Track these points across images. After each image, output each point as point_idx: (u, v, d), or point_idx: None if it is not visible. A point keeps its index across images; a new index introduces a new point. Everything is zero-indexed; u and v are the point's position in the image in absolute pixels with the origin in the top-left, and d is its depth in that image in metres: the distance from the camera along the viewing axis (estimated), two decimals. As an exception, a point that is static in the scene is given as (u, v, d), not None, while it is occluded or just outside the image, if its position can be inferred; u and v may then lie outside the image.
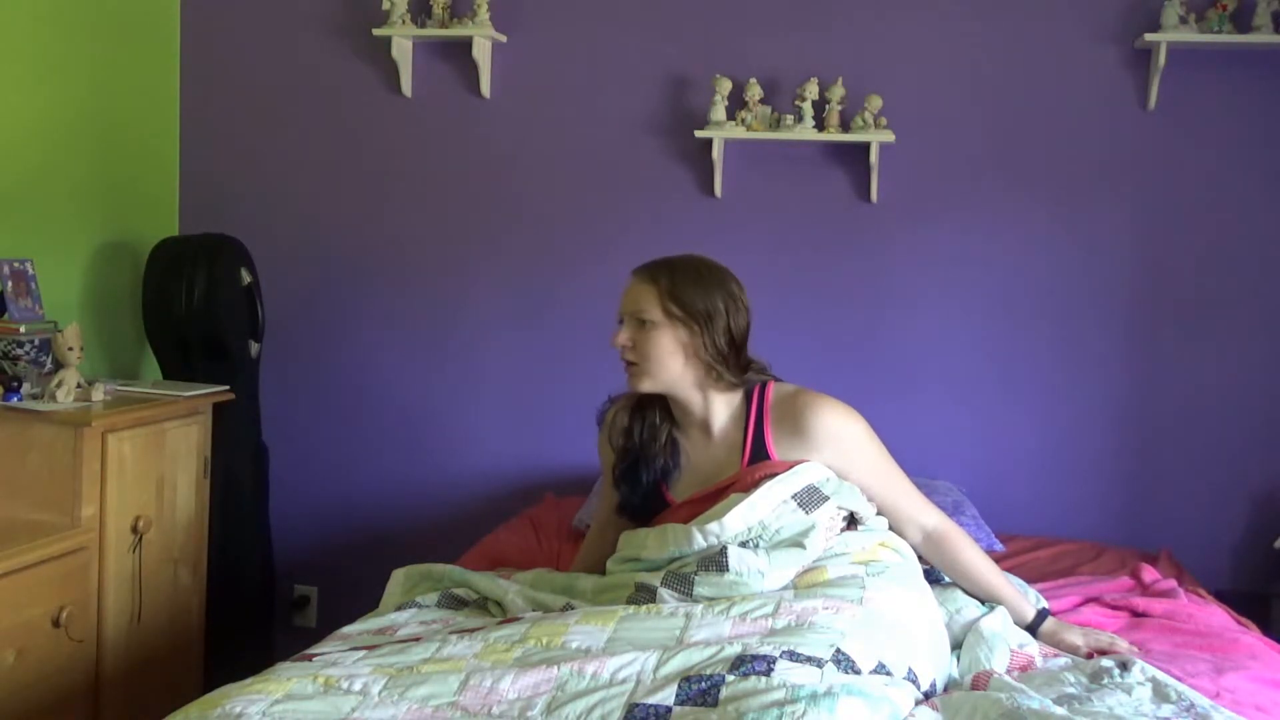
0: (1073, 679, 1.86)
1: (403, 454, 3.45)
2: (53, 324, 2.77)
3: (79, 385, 2.67)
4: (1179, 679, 1.86)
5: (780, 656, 1.66)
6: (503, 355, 3.37)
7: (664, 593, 1.93)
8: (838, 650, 1.70)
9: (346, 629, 2.04)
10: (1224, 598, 2.49)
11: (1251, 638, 2.15)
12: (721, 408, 2.12)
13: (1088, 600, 2.35)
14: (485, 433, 3.40)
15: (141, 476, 2.73)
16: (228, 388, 3.02)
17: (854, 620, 1.80)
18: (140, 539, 2.71)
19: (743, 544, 1.98)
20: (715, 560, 1.94)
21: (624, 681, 1.65)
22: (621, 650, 1.73)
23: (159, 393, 2.88)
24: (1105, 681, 1.83)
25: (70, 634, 2.50)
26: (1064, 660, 1.98)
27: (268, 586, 3.37)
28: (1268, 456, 2.97)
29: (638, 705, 1.58)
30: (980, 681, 1.82)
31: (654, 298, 2.07)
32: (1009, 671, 1.92)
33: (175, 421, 2.84)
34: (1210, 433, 2.99)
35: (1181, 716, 1.70)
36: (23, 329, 2.68)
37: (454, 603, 2.11)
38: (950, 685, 1.88)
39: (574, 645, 1.77)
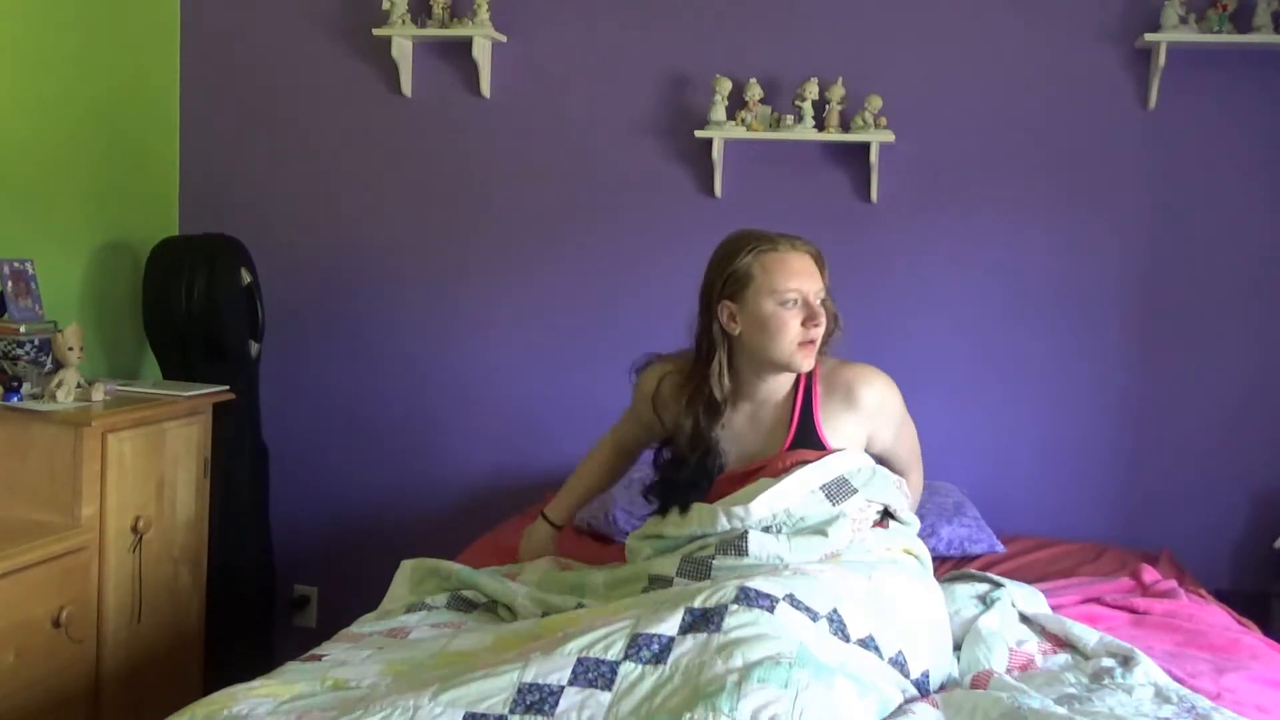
0: (1073, 679, 1.86)
1: (403, 453, 3.45)
2: (53, 324, 2.77)
3: (79, 385, 2.66)
4: (1180, 679, 1.86)
5: (783, 599, 1.69)
6: (503, 353, 3.37)
7: (679, 582, 1.94)
8: (835, 610, 1.73)
9: (356, 629, 2.03)
10: (1224, 598, 2.49)
11: (1252, 638, 2.16)
12: (785, 383, 2.16)
13: (1088, 600, 2.35)
14: (486, 432, 3.39)
15: (141, 476, 2.73)
16: (228, 388, 3.02)
17: (856, 590, 1.83)
18: (140, 539, 2.71)
19: (765, 528, 1.99)
20: (735, 544, 1.96)
21: (629, 620, 1.67)
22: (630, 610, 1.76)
23: (159, 393, 2.88)
24: (1106, 682, 1.83)
25: (70, 634, 2.50)
26: (1064, 659, 1.99)
27: (268, 586, 3.37)
28: (1268, 456, 2.97)
29: (641, 635, 1.61)
30: (980, 681, 1.83)
31: (822, 277, 2.14)
32: (1009, 671, 1.92)
33: (175, 421, 2.84)
34: (1210, 433, 2.99)
35: (1182, 717, 1.70)
36: (23, 329, 2.68)
37: (463, 605, 2.11)
38: (949, 685, 1.88)
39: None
